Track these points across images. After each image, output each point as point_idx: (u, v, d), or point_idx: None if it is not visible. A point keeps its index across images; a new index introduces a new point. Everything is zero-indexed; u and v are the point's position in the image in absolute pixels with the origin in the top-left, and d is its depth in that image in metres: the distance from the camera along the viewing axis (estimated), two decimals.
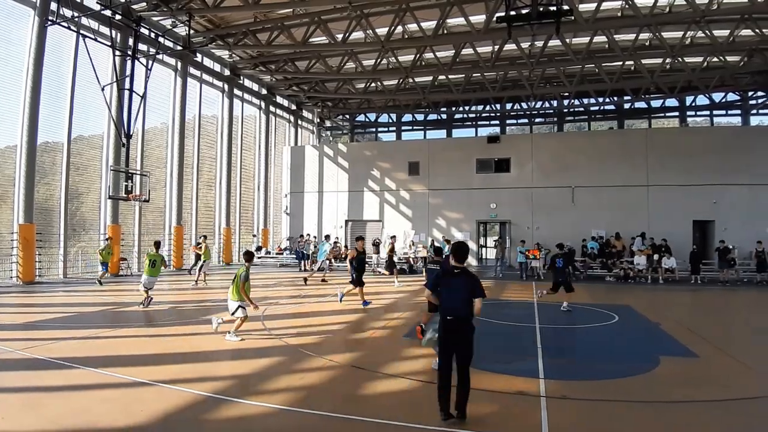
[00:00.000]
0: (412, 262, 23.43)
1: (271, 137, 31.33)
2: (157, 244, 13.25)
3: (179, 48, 22.11)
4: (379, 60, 24.31)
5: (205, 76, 25.44)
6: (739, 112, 31.42)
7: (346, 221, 30.83)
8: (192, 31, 20.35)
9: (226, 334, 8.78)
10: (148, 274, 12.33)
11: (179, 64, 23.29)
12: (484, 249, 30.04)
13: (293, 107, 33.69)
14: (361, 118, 37.01)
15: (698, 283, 20.19)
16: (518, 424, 5.33)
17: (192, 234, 24.71)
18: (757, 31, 20.11)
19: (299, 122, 34.73)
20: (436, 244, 22.33)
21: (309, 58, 25.24)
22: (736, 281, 20.58)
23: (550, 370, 7.10)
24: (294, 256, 26.58)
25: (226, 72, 26.52)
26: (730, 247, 21.18)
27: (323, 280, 18.76)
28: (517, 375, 6.97)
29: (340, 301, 13.22)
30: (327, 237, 21.78)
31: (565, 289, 12.76)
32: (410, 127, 36.33)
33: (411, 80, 26.75)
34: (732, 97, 30.67)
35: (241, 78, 27.86)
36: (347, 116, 36.93)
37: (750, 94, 30.18)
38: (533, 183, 27.95)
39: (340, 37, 21.53)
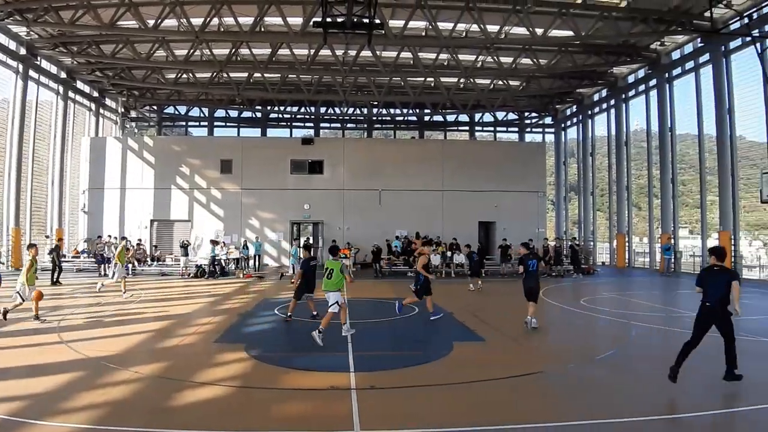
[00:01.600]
0: (224, 264, 22.66)
1: (69, 126, 27.40)
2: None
3: None
4: (192, 51, 22.99)
5: None
6: (517, 129, 36.67)
7: (152, 221, 28.51)
8: None
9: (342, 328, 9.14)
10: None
11: None
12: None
13: (95, 94, 29.96)
14: (170, 110, 34.20)
15: (484, 276, 22.97)
16: (331, 418, 5.48)
17: None
18: (534, 60, 23.77)
19: (101, 111, 30.99)
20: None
21: (116, 42, 22.74)
22: (512, 273, 23.87)
23: (359, 364, 7.48)
24: (93, 259, 23.67)
25: (22, 51, 22.59)
26: (509, 244, 24.58)
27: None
28: (328, 371, 7.22)
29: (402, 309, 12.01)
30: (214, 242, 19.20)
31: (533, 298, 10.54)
32: (223, 124, 34.85)
33: (225, 75, 25.86)
34: (512, 116, 35.65)
35: (38, 59, 24.00)
36: (155, 107, 33.86)
37: (526, 114, 35.42)
38: (345, 185, 29.09)
39: (151, 23, 19.91)
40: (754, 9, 19.40)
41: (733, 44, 21.08)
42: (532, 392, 6.53)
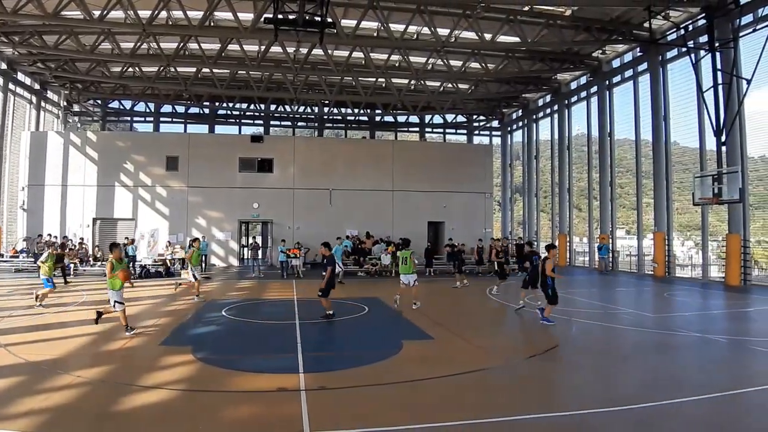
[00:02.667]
0: (168, 264, 22.07)
1: (9, 120, 25.79)
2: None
3: None
4: (139, 44, 22.16)
5: None
6: (465, 131, 37.41)
7: (95, 219, 27.33)
8: None
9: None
10: None
11: None
12: (245, 249, 29.78)
13: (37, 87, 28.39)
14: (115, 104, 32.72)
15: (431, 275, 23.30)
16: (280, 420, 5.48)
17: None
18: (483, 65, 24.33)
19: (43, 105, 29.38)
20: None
21: (60, 33, 21.59)
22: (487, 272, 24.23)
23: (309, 364, 7.51)
24: (32, 259, 22.44)
25: None
26: (455, 243, 25.02)
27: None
28: (277, 372, 7.20)
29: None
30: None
31: (531, 285, 12.51)
32: (170, 120, 33.70)
33: (173, 69, 25.12)
34: (461, 118, 36.33)
35: None
36: (99, 102, 32.36)
37: (474, 117, 36.17)
38: (295, 184, 28.87)
39: (97, 14, 19.10)
40: (690, 21, 20.66)
41: (669, 54, 22.30)
42: (478, 388, 6.73)
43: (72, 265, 21.92)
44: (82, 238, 25.25)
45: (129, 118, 34.26)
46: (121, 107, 32.85)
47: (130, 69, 26.09)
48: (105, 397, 6.07)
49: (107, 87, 29.11)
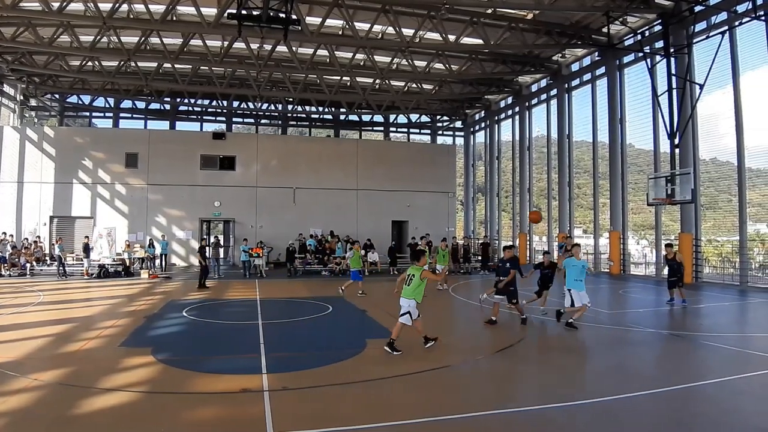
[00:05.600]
0: (127, 264, 21.51)
1: None
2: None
3: None
4: (99, 37, 21.40)
5: None
6: (429, 131, 37.70)
7: (51, 217, 26.45)
8: None
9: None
10: None
11: None
12: (207, 248, 29.24)
13: None
14: (73, 99, 31.43)
15: (396, 273, 23.42)
16: (243, 421, 5.45)
17: None
18: (447, 66, 24.58)
19: None
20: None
21: (17, 25, 20.65)
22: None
23: (272, 365, 7.45)
24: None
25: None
26: (418, 242, 25.21)
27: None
28: (240, 373, 7.14)
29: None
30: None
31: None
32: (129, 115, 32.54)
33: (133, 64, 24.38)
34: (425, 118, 36.60)
35: None
36: (57, 96, 31.05)
37: (438, 117, 36.48)
38: (258, 182, 28.58)
39: (56, 5, 18.40)
40: (646, 27, 21.40)
41: (626, 59, 23.06)
42: (442, 386, 6.83)
43: (28, 265, 21.22)
44: (38, 237, 24.38)
45: (88, 114, 32.99)
46: (80, 102, 31.59)
47: (90, 63, 25.18)
48: (63, 401, 5.91)
49: (65, 81, 28.03)
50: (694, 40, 19.18)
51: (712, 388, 6.58)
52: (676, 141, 19.14)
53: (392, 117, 35.99)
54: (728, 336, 8.98)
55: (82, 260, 22.22)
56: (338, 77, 27.09)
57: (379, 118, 35.70)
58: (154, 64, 25.38)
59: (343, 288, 15.63)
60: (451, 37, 21.64)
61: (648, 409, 5.87)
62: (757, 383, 6.80)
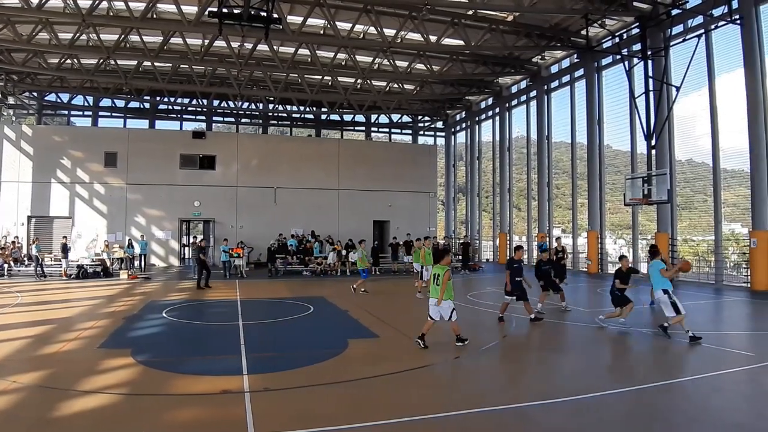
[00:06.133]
0: (106, 265, 21.19)
1: None
2: None
3: None
4: (78, 35, 20.98)
5: None
6: (410, 132, 37.81)
7: (29, 217, 25.95)
8: None
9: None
10: None
11: None
12: (186, 249, 28.95)
13: None
14: (51, 97, 30.69)
15: (377, 273, 23.48)
16: (224, 422, 5.42)
17: None
18: (428, 66, 24.67)
19: None
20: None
21: None
22: (403, 271, 24.66)
23: (253, 366, 7.41)
24: None
25: None
26: (400, 243, 25.34)
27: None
28: (221, 374, 7.10)
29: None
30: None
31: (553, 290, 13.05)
32: (109, 114, 31.89)
33: (113, 62, 23.95)
34: (406, 119, 36.68)
35: None
36: (35, 94, 30.31)
37: (419, 117, 36.60)
38: (238, 182, 28.38)
39: (35, 2, 18.00)
40: (624, 30, 21.77)
41: (604, 61, 23.42)
42: (422, 385, 6.86)
43: (6, 266, 20.80)
44: (16, 237, 23.90)
45: (66, 112, 32.26)
46: (59, 100, 30.90)
47: (69, 61, 24.67)
48: (42, 403, 5.83)
49: (44, 79, 27.42)
50: (671, 43, 19.58)
51: (689, 385, 6.74)
52: (653, 142, 19.50)
53: (374, 117, 36.01)
54: (704, 334, 9.16)
55: (60, 261, 21.83)
56: (320, 77, 27.01)
57: (360, 117, 35.68)
58: (134, 62, 24.98)
59: (355, 287, 16.38)
60: (433, 38, 21.74)
61: (625, 405, 6.00)
62: (732, 380, 6.98)
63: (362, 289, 16.26)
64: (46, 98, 30.64)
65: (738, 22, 16.93)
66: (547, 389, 6.54)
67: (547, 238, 25.82)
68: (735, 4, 17.17)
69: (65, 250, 21.44)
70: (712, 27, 18.17)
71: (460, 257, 25.53)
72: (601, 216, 23.62)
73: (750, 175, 17.20)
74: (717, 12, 17.82)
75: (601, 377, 7.12)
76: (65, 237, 22.33)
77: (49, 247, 24.73)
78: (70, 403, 5.82)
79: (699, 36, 18.00)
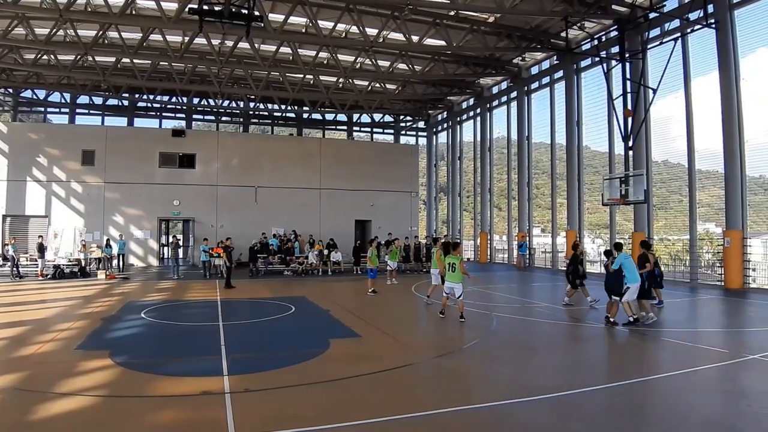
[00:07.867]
0: (84, 264, 20.83)
1: None
2: None
3: None
4: (55, 30, 20.57)
5: None
6: (392, 131, 37.89)
7: (4, 216, 25.47)
8: None
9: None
10: None
11: None
12: (165, 248, 28.60)
13: None
14: (27, 94, 30.05)
15: (359, 273, 23.46)
16: (204, 424, 5.38)
17: None
18: (410, 66, 24.74)
19: None
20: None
21: None
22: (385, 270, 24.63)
23: (233, 366, 7.36)
24: None
25: None
26: (382, 242, 25.32)
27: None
28: (201, 375, 7.04)
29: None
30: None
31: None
32: (86, 111, 31.35)
33: (90, 58, 23.54)
34: (388, 118, 36.75)
35: None
36: (10, 91, 29.63)
37: (401, 117, 36.69)
38: (218, 181, 28.14)
39: None
40: (603, 33, 22.09)
41: (583, 63, 23.76)
42: (404, 385, 6.90)
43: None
44: None
45: (43, 109, 31.67)
46: (35, 97, 30.29)
47: (45, 57, 24.15)
48: (19, 406, 5.73)
49: (20, 75, 26.84)
50: (649, 46, 19.92)
51: (664, 381, 6.88)
52: (630, 143, 19.81)
53: (355, 116, 36.01)
54: (679, 331, 9.37)
55: (36, 260, 21.41)
56: (301, 75, 26.92)
57: (342, 117, 35.64)
58: (113, 59, 24.55)
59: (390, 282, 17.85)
60: (415, 38, 21.82)
61: (602, 401, 6.12)
62: (705, 376, 7.15)
63: (370, 290, 15.94)
64: (21, 95, 30.10)
65: (713, 26, 17.29)
66: (526, 387, 6.64)
67: (527, 238, 26.10)
68: (711, 9, 17.52)
69: (41, 249, 21.04)
70: (689, 30, 18.52)
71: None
72: (579, 216, 23.95)
73: (724, 176, 17.63)
74: (693, 16, 18.15)
75: (579, 374, 7.23)
76: (41, 236, 21.91)
77: (25, 247, 24.24)
78: (47, 406, 5.72)
79: (675, 39, 18.34)
